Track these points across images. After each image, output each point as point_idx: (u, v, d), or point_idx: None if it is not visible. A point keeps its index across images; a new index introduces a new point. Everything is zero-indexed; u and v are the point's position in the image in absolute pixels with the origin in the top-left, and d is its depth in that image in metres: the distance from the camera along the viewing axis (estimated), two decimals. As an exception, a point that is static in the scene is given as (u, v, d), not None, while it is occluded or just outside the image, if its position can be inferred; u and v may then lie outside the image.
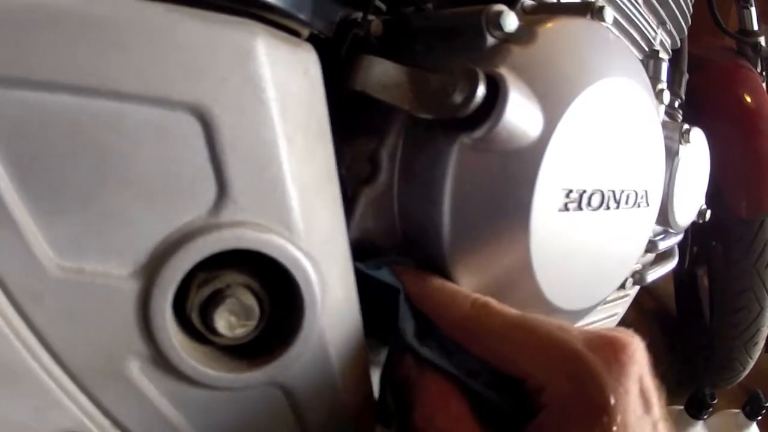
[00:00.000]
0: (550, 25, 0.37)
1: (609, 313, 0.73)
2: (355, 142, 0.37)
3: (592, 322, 0.69)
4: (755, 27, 1.29)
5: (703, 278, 1.53)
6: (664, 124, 0.59)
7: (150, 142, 0.25)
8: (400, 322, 0.33)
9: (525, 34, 0.36)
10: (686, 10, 0.73)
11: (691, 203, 0.73)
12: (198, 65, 0.25)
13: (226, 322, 0.28)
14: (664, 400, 0.29)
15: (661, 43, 0.71)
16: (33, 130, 0.23)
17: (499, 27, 0.34)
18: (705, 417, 1.23)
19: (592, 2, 0.41)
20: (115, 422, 0.28)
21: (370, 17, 0.37)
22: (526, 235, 0.36)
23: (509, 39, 0.35)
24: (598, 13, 0.41)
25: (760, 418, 1.25)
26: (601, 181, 0.41)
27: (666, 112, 0.77)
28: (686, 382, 1.46)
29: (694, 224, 0.80)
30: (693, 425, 1.22)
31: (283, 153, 0.27)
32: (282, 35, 0.28)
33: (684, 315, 1.65)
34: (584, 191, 0.39)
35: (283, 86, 0.27)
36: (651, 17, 0.66)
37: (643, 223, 0.49)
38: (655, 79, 0.64)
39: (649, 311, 1.80)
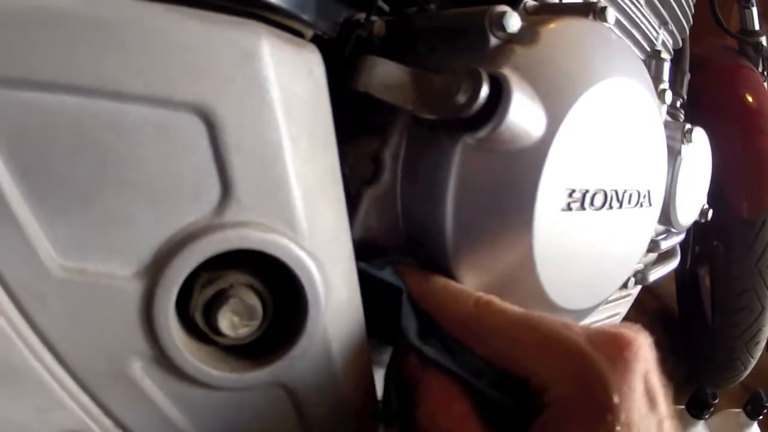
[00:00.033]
0: (552, 25, 0.37)
1: (611, 312, 0.73)
2: (358, 143, 0.37)
3: (594, 322, 0.69)
4: (756, 27, 1.29)
5: (704, 278, 1.53)
6: (666, 124, 0.59)
7: (153, 143, 0.25)
8: (403, 321, 0.33)
9: (528, 35, 0.36)
10: (688, 10, 0.73)
11: (693, 203, 0.73)
12: (202, 66, 0.25)
13: (229, 322, 0.28)
14: (670, 398, 0.29)
15: (663, 43, 0.71)
16: (35, 131, 0.23)
17: (502, 27, 0.34)
18: (706, 417, 1.23)
19: (594, 3, 0.41)
20: (118, 422, 0.28)
21: (373, 18, 0.37)
22: (529, 235, 0.36)
23: (512, 39, 0.35)
24: (600, 14, 0.41)
25: (761, 417, 1.25)
26: (603, 181, 0.41)
27: (668, 112, 0.77)
28: (687, 382, 1.46)
29: (696, 224, 0.80)
30: (694, 425, 1.22)
31: (287, 153, 0.27)
32: (286, 36, 0.28)
33: (685, 315, 1.65)
34: (587, 191, 0.39)
35: (288, 87, 0.27)
36: (653, 17, 0.66)
37: (646, 223, 0.49)
38: (657, 79, 0.64)
39: (650, 311, 1.80)
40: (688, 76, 0.86)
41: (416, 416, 0.30)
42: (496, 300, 0.32)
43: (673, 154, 0.64)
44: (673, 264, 0.83)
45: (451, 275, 0.36)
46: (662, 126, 0.49)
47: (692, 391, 1.22)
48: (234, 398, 0.30)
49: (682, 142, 0.64)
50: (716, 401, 1.20)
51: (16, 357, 0.25)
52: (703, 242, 1.43)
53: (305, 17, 0.29)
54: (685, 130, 0.65)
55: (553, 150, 0.35)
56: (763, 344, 1.36)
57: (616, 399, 0.26)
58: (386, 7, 0.41)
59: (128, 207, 0.25)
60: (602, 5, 0.40)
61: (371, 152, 0.37)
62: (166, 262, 0.26)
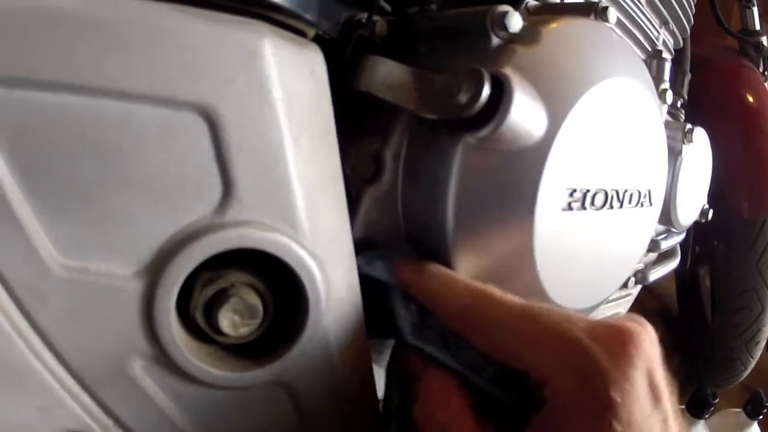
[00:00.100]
0: (554, 25, 0.37)
1: (611, 312, 0.73)
2: (359, 142, 0.37)
3: (594, 322, 0.69)
4: (757, 27, 1.29)
5: (705, 278, 1.53)
6: (667, 124, 0.59)
7: (155, 142, 0.25)
8: (397, 320, 0.33)
9: (529, 35, 0.36)
10: (689, 10, 0.73)
11: (693, 202, 0.73)
12: (204, 65, 0.25)
13: (230, 322, 0.28)
14: (675, 394, 0.28)
15: (664, 43, 0.71)
16: (37, 131, 0.23)
17: (504, 27, 0.34)
18: (706, 416, 1.23)
19: (595, 3, 0.41)
20: (118, 422, 0.28)
21: (375, 18, 0.37)
22: (530, 235, 0.37)
23: (514, 39, 0.35)
24: (601, 14, 0.41)
25: (761, 417, 1.25)
26: (604, 181, 0.41)
27: (669, 112, 0.77)
28: (688, 382, 1.46)
29: (696, 224, 0.80)
30: (694, 424, 1.22)
31: (288, 153, 0.27)
32: (288, 35, 0.28)
33: (686, 314, 1.65)
34: (588, 190, 0.39)
35: (290, 86, 0.27)
36: (654, 17, 0.66)
37: (646, 223, 0.49)
38: (658, 78, 0.64)
39: (651, 311, 1.80)
40: (688, 76, 0.86)
41: (414, 413, 0.30)
42: (494, 290, 0.31)
43: (674, 154, 0.64)
44: (674, 264, 0.83)
45: (451, 274, 0.35)
46: (663, 126, 0.49)
47: (692, 391, 1.22)
48: (234, 397, 0.30)
49: (683, 142, 0.64)
50: (716, 401, 1.20)
51: (16, 356, 0.25)
52: (704, 242, 1.43)
53: (307, 17, 0.29)
54: (685, 130, 0.65)
55: (554, 149, 0.35)
56: (763, 344, 1.36)
57: (617, 396, 0.25)
58: (388, 7, 0.41)
59: (129, 206, 0.25)
60: (604, 5, 0.40)
61: (372, 152, 0.37)
62: (166, 261, 0.26)
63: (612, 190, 0.42)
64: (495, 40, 0.35)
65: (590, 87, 0.38)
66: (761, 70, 1.28)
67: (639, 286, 0.76)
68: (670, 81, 0.67)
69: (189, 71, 0.24)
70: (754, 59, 1.28)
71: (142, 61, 0.24)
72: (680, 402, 1.23)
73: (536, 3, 0.42)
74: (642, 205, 0.46)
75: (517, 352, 0.29)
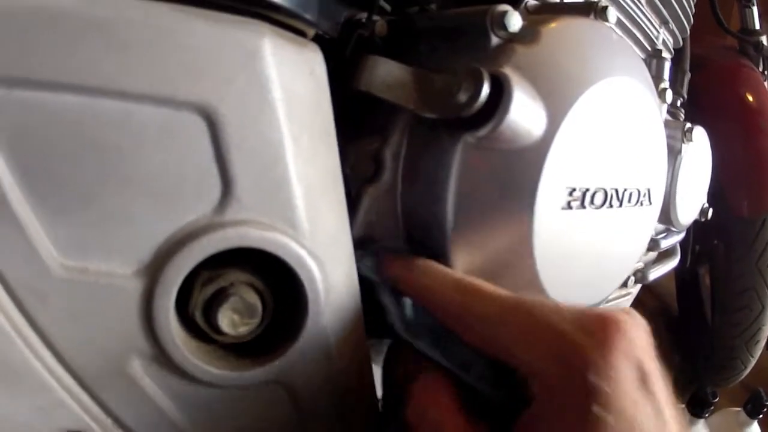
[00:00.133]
0: (553, 24, 0.37)
1: (611, 311, 0.73)
2: (359, 142, 0.37)
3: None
4: (757, 26, 1.29)
5: (704, 277, 1.53)
6: (666, 123, 0.59)
7: (155, 141, 0.25)
8: (388, 316, 0.33)
9: (529, 34, 0.36)
10: (688, 9, 0.73)
11: (693, 202, 0.73)
12: (204, 65, 0.25)
13: (229, 321, 0.28)
14: (670, 384, 0.27)
15: (664, 43, 0.71)
16: (37, 130, 0.23)
17: (504, 27, 0.34)
18: (706, 415, 1.23)
19: (595, 2, 0.41)
20: (118, 421, 0.28)
21: (375, 18, 0.37)
22: (530, 234, 0.37)
23: (513, 39, 0.35)
24: (601, 13, 0.41)
25: (761, 416, 1.25)
26: (604, 180, 0.41)
27: (668, 111, 0.77)
28: (687, 381, 1.46)
29: (696, 223, 0.80)
30: (694, 424, 1.22)
31: (288, 152, 0.27)
32: (288, 35, 0.28)
33: (686, 314, 1.65)
34: (587, 189, 0.39)
35: (289, 86, 0.27)
36: (653, 17, 0.66)
37: (646, 222, 0.49)
38: (657, 78, 0.64)
39: (651, 310, 1.80)
40: (688, 76, 0.86)
41: (405, 413, 0.30)
42: (483, 283, 0.31)
43: (674, 153, 0.64)
44: (673, 263, 0.83)
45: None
46: (662, 125, 0.49)
47: (692, 390, 1.22)
48: (233, 396, 0.30)
49: (683, 141, 0.65)
50: (716, 400, 1.20)
51: (16, 356, 0.25)
52: (703, 241, 1.43)
53: (307, 16, 0.29)
54: (685, 129, 0.65)
55: (553, 149, 0.35)
56: (763, 343, 1.36)
57: (601, 384, 0.25)
58: (388, 7, 0.41)
59: (129, 206, 0.25)
60: (603, 4, 0.40)
61: (372, 151, 0.37)
62: (166, 260, 0.26)
63: (611, 189, 0.42)
64: (494, 40, 0.35)
65: (590, 86, 0.38)
66: (761, 69, 1.28)
67: (639, 285, 0.76)
68: (670, 80, 0.67)
69: (189, 71, 0.24)
70: (754, 59, 1.28)
71: (141, 61, 0.24)
72: (680, 401, 1.23)
73: (536, 2, 0.42)
74: (641, 204, 0.46)
75: (506, 346, 0.28)
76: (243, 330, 0.28)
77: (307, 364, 0.30)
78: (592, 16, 0.41)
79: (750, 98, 1.20)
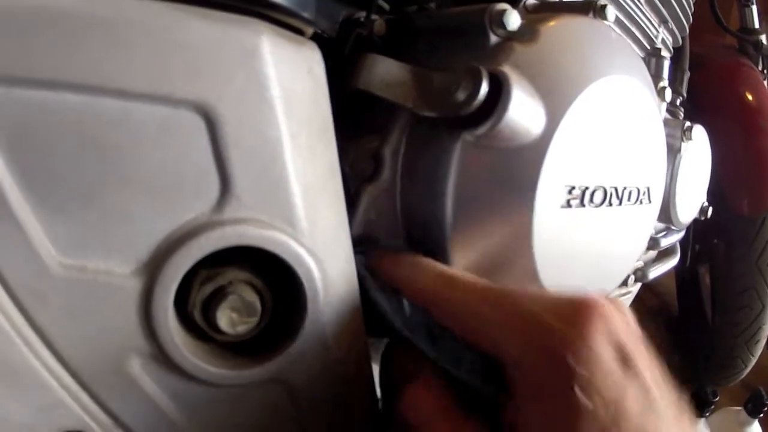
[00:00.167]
0: (552, 23, 0.38)
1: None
2: (358, 140, 0.37)
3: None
4: (756, 25, 1.29)
5: (705, 276, 1.53)
6: (665, 122, 0.59)
7: (153, 140, 0.25)
8: (386, 314, 0.33)
9: (528, 33, 0.36)
10: (687, 8, 0.73)
11: (692, 200, 0.73)
12: (202, 63, 0.25)
13: (228, 319, 0.28)
14: (659, 364, 0.27)
15: (663, 42, 0.71)
16: (36, 129, 0.23)
17: (502, 25, 0.34)
18: (707, 415, 1.23)
19: (594, 1, 0.41)
20: (117, 420, 0.28)
21: (373, 16, 0.37)
22: (529, 232, 0.37)
23: (512, 37, 0.35)
24: (600, 12, 0.41)
25: (761, 415, 1.25)
26: (603, 178, 0.41)
27: (668, 110, 0.77)
28: (688, 380, 1.46)
29: (696, 222, 0.80)
30: (695, 423, 1.22)
31: (286, 151, 0.27)
32: (286, 34, 0.28)
33: (686, 313, 1.65)
34: (587, 188, 0.39)
35: (288, 84, 0.27)
36: (653, 15, 0.66)
37: (645, 220, 0.49)
38: (656, 77, 0.64)
39: (651, 309, 1.80)
40: (687, 75, 0.86)
41: (398, 409, 0.30)
42: (463, 274, 0.31)
43: (673, 152, 0.64)
44: (673, 262, 0.83)
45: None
46: (662, 123, 0.49)
47: (693, 390, 1.22)
48: (232, 395, 0.30)
49: (682, 140, 0.65)
50: (717, 399, 1.20)
51: (15, 356, 0.25)
52: (704, 240, 1.43)
53: (305, 15, 0.29)
54: (684, 127, 0.65)
55: (552, 147, 0.35)
56: (763, 342, 1.36)
57: (579, 365, 0.24)
58: (386, 6, 0.41)
59: (128, 204, 0.25)
60: (602, 3, 0.40)
61: (371, 150, 0.37)
62: (164, 259, 0.26)
63: (611, 187, 0.42)
64: (493, 38, 0.35)
65: (588, 85, 0.38)
66: (760, 68, 1.28)
67: (638, 284, 0.75)
68: (669, 79, 0.67)
69: (187, 69, 0.24)
70: (753, 58, 1.28)
71: (140, 60, 0.24)
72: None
73: (534, 1, 0.42)
74: (641, 203, 0.46)
75: (486, 334, 0.28)
76: (242, 329, 0.28)
77: (306, 363, 0.30)
78: (591, 15, 0.41)
79: (749, 97, 1.20)
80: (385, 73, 0.35)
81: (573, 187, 0.38)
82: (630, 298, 0.76)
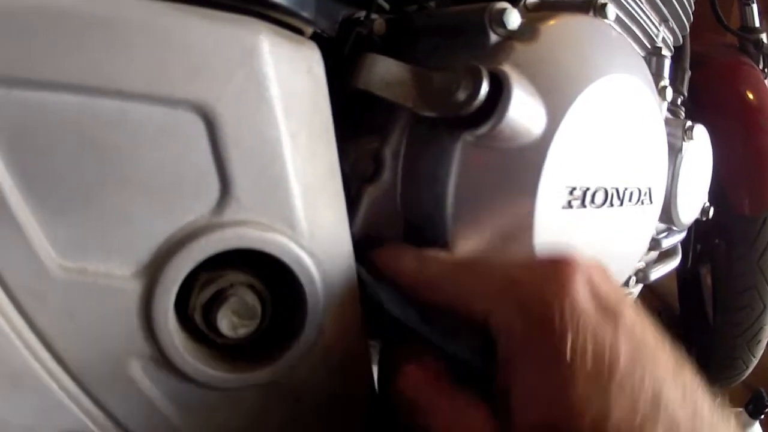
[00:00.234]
0: (552, 22, 0.37)
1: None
2: (358, 141, 0.36)
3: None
4: (757, 24, 1.29)
5: (706, 276, 1.53)
6: (666, 121, 0.59)
7: (153, 141, 0.25)
8: (384, 303, 0.32)
9: (528, 32, 0.36)
10: (688, 7, 0.73)
11: (694, 200, 0.73)
12: (201, 63, 0.25)
13: (228, 322, 0.28)
14: (639, 308, 0.27)
15: (664, 40, 0.71)
16: (36, 130, 0.23)
17: (502, 24, 0.34)
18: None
19: (594, -1, 0.41)
20: (117, 423, 0.28)
21: (373, 16, 0.37)
22: (530, 233, 0.36)
23: (512, 36, 0.35)
24: (600, 10, 0.41)
25: (762, 416, 1.25)
26: (604, 179, 0.41)
27: (669, 109, 0.77)
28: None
29: (697, 222, 0.80)
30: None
31: (286, 151, 0.27)
32: (286, 33, 0.28)
33: (687, 313, 1.64)
34: (588, 188, 0.39)
35: (287, 84, 0.27)
36: (653, 14, 0.66)
37: (647, 221, 0.49)
38: (657, 76, 0.64)
39: (652, 309, 1.79)
40: (688, 74, 0.86)
41: (394, 386, 0.30)
42: (438, 251, 0.32)
43: (674, 152, 0.64)
44: (674, 262, 0.82)
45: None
46: (663, 123, 0.49)
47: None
48: (233, 398, 0.30)
49: (683, 140, 0.64)
50: (717, 400, 1.20)
51: (15, 357, 0.25)
52: (705, 240, 1.43)
53: (305, 14, 0.29)
54: (686, 127, 0.65)
55: (553, 147, 0.35)
56: (764, 343, 1.36)
57: (567, 323, 0.25)
58: (386, 5, 0.41)
59: (128, 206, 0.25)
60: (602, 1, 0.40)
61: (372, 150, 0.36)
62: (165, 261, 0.26)
63: (612, 188, 0.41)
64: (493, 38, 0.35)
65: (589, 84, 0.38)
66: (761, 67, 1.28)
67: (640, 285, 0.75)
68: (670, 78, 0.67)
69: (186, 69, 0.24)
70: (754, 56, 1.28)
71: (139, 60, 0.24)
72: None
73: (534, 0, 0.42)
74: (642, 203, 0.46)
75: (472, 303, 0.29)
76: (242, 332, 0.28)
77: (306, 365, 0.30)
78: (591, 13, 0.41)
79: (750, 96, 1.20)
80: (384, 72, 0.34)
81: (574, 188, 0.38)
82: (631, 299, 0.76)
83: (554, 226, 0.37)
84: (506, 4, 0.34)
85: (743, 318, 1.31)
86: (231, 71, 0.25)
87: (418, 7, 0.41)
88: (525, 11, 0.40)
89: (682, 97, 0.83)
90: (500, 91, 0.31)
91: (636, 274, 0.72)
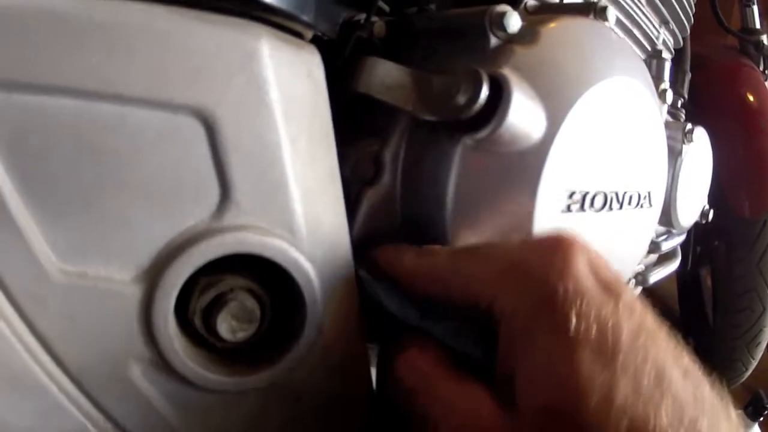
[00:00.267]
0: (552, 25, 0.37)
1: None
2: (358, 144, 0.36)
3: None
4: (758, 25, 1.29)
5: (706, 279, 1.53)
6: (667, 124, 0.59)
7: (153, 146, 0.25)
8: (385, 302, 0.32)
9: (528, 35, 0.36)
10: (689, 9, 0.73)
11: (693, 203, 0.73)
12: (201, 67, 0.25)
13: (228, 326, 0.28)
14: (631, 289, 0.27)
15: (664, 43, 0.71)
16: (36, 135, 0.23)
17: (503, 28, 0.34)
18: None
19: (594, 2, 0.41)
20: (117, 425, 0.28)
21: (374, 19, 0.37)
22: (529, 237, 0.36)
23: (512, 39, 0.35)
24: (601, 13, 0.41)
25: (761, 418, 1.24)
26: (604, 182, 0.41)
27: (669, 112, 0.77)
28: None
29: (697, 224, 0.80)
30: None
31: (286, 155, 0.27)
32: (285, 37, 0.28)
33: (687, 316, 1.64)
34: (587, 192, 0.39)
35: (287, 88, 0.27)
36: (654, 16, 0.66)
37: (646, 224, 0.49)
38: (657, 78, 0.64)
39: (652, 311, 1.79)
40: (689, 76, 0.86)
41: (394, 373, 0.30)
42: (435, 246, 0.32)
43: (674, 155, 0.64)
44: (674, 265, 0.83)
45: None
46: (663, 126, 0.49)
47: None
48: (232, 401, 0.30)
49: (683, 142, 0.64)
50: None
51: (16, 361, 0.25)
52: (705, 242, 1.43)
53: (305, 18, 0.29)
54: (686, 130, 0.65)
55: (552, 151, 0.35)
56: (764, 345, 1.36)
57: (571, 302, 0.24)
58: (386, 8, 0.41)
59: (127, 210, 0.25)
60: (603, 5, 0.40)
61: (371, 153, 0.36)
62: (165, 266, 0.26)
63: (611, 191, 0.41)
64: (493, 41, 0.35)
65: (589, 87, 0.37)
66: (761, 68, 1.28)
67: (639, 288, 0.75)
68: (671, 80, 0.67)
69: (185, 73, 0.24)
70: (755, 58, 1.29)
71: (138, 64, 0.24)
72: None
73: (535, 3, 0.42)
74: (642, 207, 0.46)
75: (475, 290, 0.28)
76: (242, 335, 0.28)
77: (305, 369, 0.30)
78: (591, 17, 0.41)
79: (750, 98, 1.20)
80: (385, 76, 0.34)
81: (573, 192, 0.38)
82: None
83: (553, 229, 0.37)
84: (507, 7, 0.34)
85: (743, 320, 1.31)
86: (231, 75, 0.25)
87: (418, 9, 0.41)
88: (525, 14, 0.40)
89: (682, 100, 0.83)
90: (500, 95, 0.31)
91: (635, 277, 0.72)
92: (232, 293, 0.27)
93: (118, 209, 0.25)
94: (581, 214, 0.39)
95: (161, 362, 0.27)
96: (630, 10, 0.59)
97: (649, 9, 0.63)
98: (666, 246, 0.74)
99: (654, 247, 0.72)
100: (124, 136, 0.24)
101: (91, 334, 0.26)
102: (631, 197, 0.44)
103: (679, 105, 0.83)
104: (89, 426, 0.28)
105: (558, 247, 0.27)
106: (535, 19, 0.38)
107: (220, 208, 0.26)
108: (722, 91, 1.21)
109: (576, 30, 0.39)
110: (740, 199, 1.24)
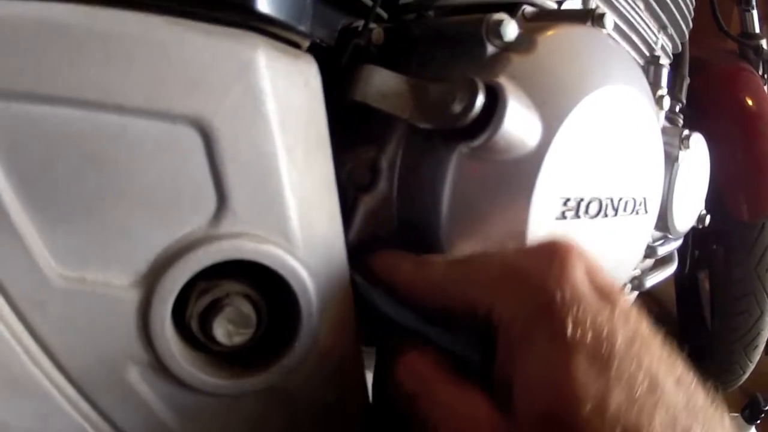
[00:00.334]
0: (550, 33, 0.37)
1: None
2: (355, 151, 0.37)
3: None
4: (757, 30, 1.29)
5: (704, 282, 1.53)
6: (664, 130, 0.59)
7: (151, 155, 0.25)
8: (381, 306, 0.33)
9: (525, 43, 0.36)
10: (687, 13, 0.73)
11: (690, 209, 0.73)
12: (198, 78, 0.25)
13: (224, 331, 0.28)
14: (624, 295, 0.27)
15: (662, 48, 0.71)
16: (36, 143, 0.24)
17: (499, 36, 0.34)
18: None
19: (592, 9, 0.41)
20: (115, 428, 0.29)
21: (371, 25, 0.37)
22: (524, 244, 0.37)
23: (509, 48, 0.35)
24: (598, 20, 0.41)
25: (759, 421, 1.25)
26: (599, 189, 0.41)
27: (666, 117, 0.77)
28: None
29: (695, 228, 0.80)
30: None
31: (282, 164, 0.27)
32: (282, 47, 0.28)
33: (685, 319, 1.64)
34: (582, 199, 0.39)
35: (284, 98, 0.27)
36: (652, 22, 0.66)
37: (642, 230, 0.49)
38: (655, 85, 0.64)
39: (650, 315, 1.79)
40: (687, 81, 0.86)
41: (393, 377, 0.30)
42: (433, 255, 0.32)
43: (671, 161, 0.64)
44: (670, 270, 0.83)
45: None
46: (659, 133, 0.49)
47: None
48: (229, 404, 0.30)
49: (680, 149, 0.65)
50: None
51: (16, 363, 0.25)
52: (703, 246, 1.43)
53: (301, 29, 0.29)
54: (682, 136, 0.65)
55: (548, 159, 0.35)
56: (761, 348, 1.36)
57: (568, 307, 0.25)
58: (384, 14, 0.41)
59: (126, 218, 0.25)
60: (601, 12, 0.40)
61: (368, 160, 0.37)
62: (162, 271, 0.26)
63: (607, 198, 0.42)
64: (490, 49, 0.35)
65: (585, 95, 0.38)
66: (761, 73, 1.28)
67: (635, 293, 0.76)
68: (669, 86, 0.67)
69: (183, 84, 0.25)
70: (754, 62, 1.29)
71: (137, 74, 0.24)
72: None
73: (533, 9, 0.42)
74: (637, 213, 0.46)
75: (472, 297, 0.28)
76: (238, 340, 0.28)
77: (301, 373, 0.30)
78: (589, 24, 0.41)
79: (750, 102, 1.20)
80: (381, 84, 0.35)
81: (568, 199, 0.38)
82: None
83: (548, 236, 0.38)
84: (504, 16, 0.34)
85: (741, 323, 1.31)
86: (228, 86, 0.25)
87: (416, 16, 0.42)
88: (523, 21, 0.40)
89: (680, 105, 0.83)
90: (496, 104, 0.31)
91: (631, 282, 0.72)
92: (228, 298, 0.28)
93: (117, 217, 0.25)
94: (576, 220, 0.39)
95: (158, 365, 0.27)
96: (628, 16, 0.59)
97: (647, 14, 0.63)
98: (662, 251, 0.74)
99: (650, 251, 0.72)
100: (124, 146, 0.25)
101: (89, 337, 0.26)
102: (626, 204, 0.44)
103: (677, 110, 0.83)
104: (88, 428, 0.28)
105: (555, 253, 0.27)
106: (533, 26, 0.38)
107: (217, 216, 0.27)
108: (721, 95, 1.21)
109: (573, 38, 0.39)
110: (739, 202, 1.23)
